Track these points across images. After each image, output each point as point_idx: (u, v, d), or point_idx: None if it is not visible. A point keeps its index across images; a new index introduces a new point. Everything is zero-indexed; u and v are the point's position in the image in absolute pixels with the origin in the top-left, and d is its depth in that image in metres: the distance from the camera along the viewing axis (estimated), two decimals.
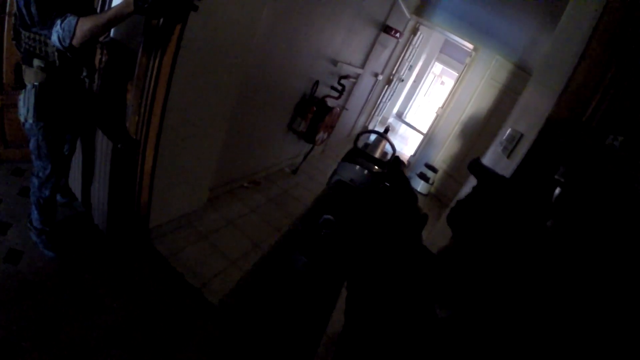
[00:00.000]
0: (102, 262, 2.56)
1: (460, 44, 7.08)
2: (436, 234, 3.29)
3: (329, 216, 0.82)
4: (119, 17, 1.73)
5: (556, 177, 1.14)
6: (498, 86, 6.60)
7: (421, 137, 10.99)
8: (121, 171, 2.51)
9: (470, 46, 6.87)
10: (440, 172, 7.48)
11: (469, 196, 1.44)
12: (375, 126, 9.37)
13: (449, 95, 7.62)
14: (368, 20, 4.98)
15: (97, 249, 2.65)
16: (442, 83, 16.51)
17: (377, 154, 2.17)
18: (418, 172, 7.61)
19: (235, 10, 2.31)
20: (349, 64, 5.05)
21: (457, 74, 12.15)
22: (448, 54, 12.37)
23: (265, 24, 2.73)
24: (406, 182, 0.81)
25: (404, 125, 14.21)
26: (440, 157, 7.52)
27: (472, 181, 2.59)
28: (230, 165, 3.60)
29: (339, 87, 4.83)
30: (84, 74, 2.17)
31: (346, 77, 5.01)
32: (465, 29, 6.64)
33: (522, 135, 1.99)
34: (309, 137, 4.56)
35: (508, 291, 1.02)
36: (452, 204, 1.38)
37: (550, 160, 1.41)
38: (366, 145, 2.49)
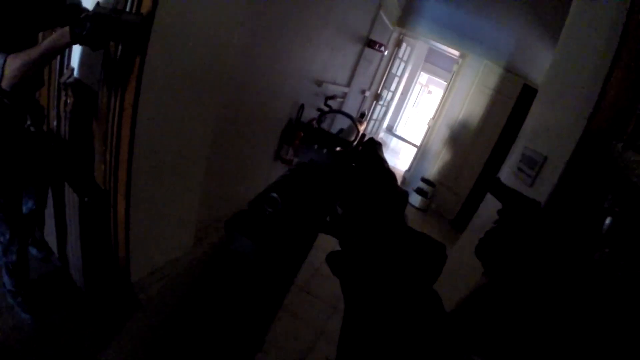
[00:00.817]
0: (81, 322, 2.34)
1: (446, 51, 6.94)
2: (454, 263, 3.00)
3: (274, 194, 0.80)
4: (54, 50, 1.48)
5: (606, 205, 0.99)
6: (489, 92, 6.44)
7: (414, 150, 10.84)
8: (92, 224, 2.27)
9: (457, 53, 6.73)
10: (437, 186, 7.23)
11: (499, 225, 1.23)
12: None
13: (439, 105, 7.44)
14: (351, 35, 4.77)
15: (76, 308, 2.42)
16: (430, 92, 16.40)
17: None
18: (415, 187, 7.37)
19: (205, 33, 2.06)
20: (334, 83, 4.82)
21: (444, 82, 12.12)
22: (433, 62, 12.28)
23: (241, 46, 2.47)
24: (380, 160, 0.71)
25: (395, 139, 14.04)
26: (436, 170, 7.30)
27: (490, 203, 2.31)
28: (217, 200, 3.31)
29: (326, 109, 4.58)
30: (28, 122, 1.89)
31: (332, 97, 4.78)
32: (450, 36, 6.51)
33: (545, 159, 1.72)
34: None
35: (555, 335, 0.93)
36: (481, 235, 1.20)
37: (594, 186, 1.20)
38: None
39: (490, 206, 2.70)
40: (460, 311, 1.29)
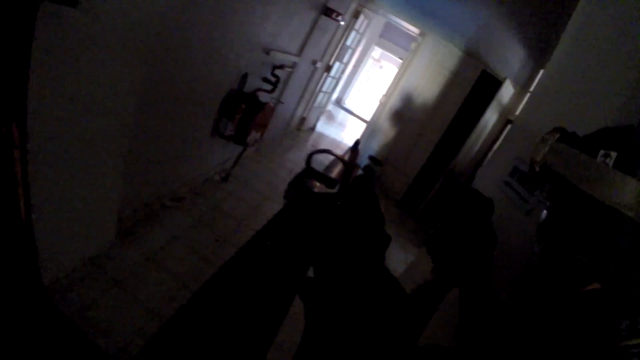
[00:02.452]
0: None
1: (406, 28, 6.64)
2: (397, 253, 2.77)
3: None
4: None
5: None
6: (446, 74, 6.26)
7: (363, 124, 10.61)
8: None
9: (416, 31, 6.44)
10: (385, 165, 7.04)
11: (449, 221, 1.20)
12: (317, 117, 8.77)
13: (393, 82, 7.16)
14: (306, 1, 4.30)
15: None
16: (381, 67, 16.14)
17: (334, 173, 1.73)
18: (362, 165, 7.13)
19: None
20: (285, 52, 4.37)
21: (398, 59, 11.89)
22: (388, 38, 11.97)
23: (175, 6, 2.01)
24: (375, 200, 0.73)
25: (343, 112, 13.73)
26: (385, 149, 7.08)
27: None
28: (143, 184, 2.85)
29: (273, 79, 4.13)
30: None
31: (281, 67, 4.33)
32: (412, 13, 6.21)
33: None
34: (239, 139, 3.85)
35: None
36: (430, 231, 1.16)
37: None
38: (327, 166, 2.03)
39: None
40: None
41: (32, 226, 1.78)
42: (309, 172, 1.29)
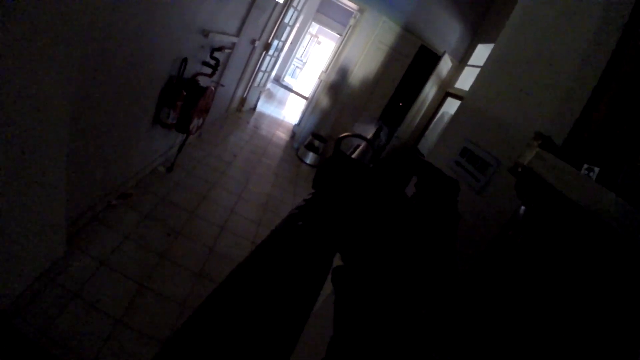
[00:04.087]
0: None
1: (344, 4, 6.58)
2: None
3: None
4: None
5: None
6: (386, 49, 6.33)
7: (303, 101, 10.55)
8: None
9: (355, 7, 6.41)
10: (329, 141, 7.07)
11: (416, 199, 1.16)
12: (257, 97, 8.60)
13: (332, 58, 7.14)
14: None
15: None
16: (319, 43, 16.02)
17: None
18: (305, 142, 7.14)
19: None
20: (223, 33, 4.21)
21: (335, 34, 11.84)
22: (325, 13, 11.86)
23: None
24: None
25: (283, 90, 13.58)
26: (329, 125, 7.11)
27: None
28: (87, 185, 2.67)
29: (213, 62, 3.99)
30: None
31: (220, 49, 4.18)
32: None
33: (499, 164, 1.46)
34: (181, 127, 3.70)
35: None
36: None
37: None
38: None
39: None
40: None
41: None
42: (338, 156, 1.22)
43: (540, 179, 1.04)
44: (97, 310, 2.30)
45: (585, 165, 1.04)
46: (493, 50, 2.06)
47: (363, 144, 6.11)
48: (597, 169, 0.99)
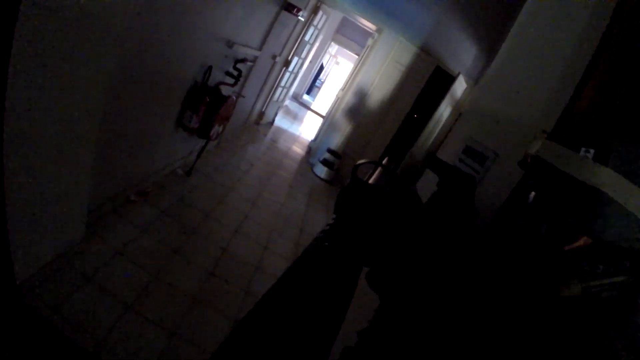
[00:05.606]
0: None
1: (363, 25, 6.80)
2: None
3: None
4: None
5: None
6: (402, 69, 6.49)
7: (320, 119, 10.72)
8: None
9: (373, 27, 6.61)
10: (344, 158, 7.20)
11: (438, 194, 1.39)
12: (275, 112, 8.80)
13: (350, 76, 7.32)
14: None
15: None
16: (338, 63, 16.31)
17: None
18: (321, 158, 7.27)
19: None
20: (246, 46, 4.41)
21: (354, 55, 12.09)
22: (344, 34, 12.14)
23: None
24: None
25: (300, 107, 13.82)
26: (344, 142, 7.24)
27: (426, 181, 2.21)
28: (110, 177, 2.83)
29: (235, 73, 4.17)
30: None
31: (243, 60, 4.37)
32: (368, 10, 6.36)
33: (497, 156, 1.59)
34: (202, 132, 3.87)
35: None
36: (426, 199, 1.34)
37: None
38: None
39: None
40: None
41: (5, 222, 1.78)
42: (356, 183, 1.31)
43: (547, 164, 1.19)
44: (108, 296, 2.42)
45: (583, 149, 1.15)
46: (494, 61, 2.22)
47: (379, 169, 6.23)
48: (592, 151, 1.12)
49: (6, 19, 1.32)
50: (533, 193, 1.23)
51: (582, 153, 1.15)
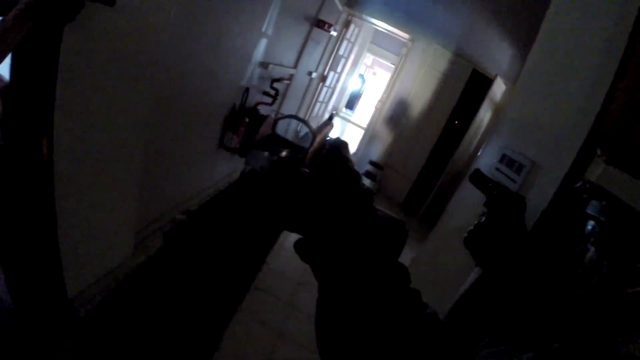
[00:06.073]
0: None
1: (396, 34, 6.80)
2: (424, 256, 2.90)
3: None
4: None
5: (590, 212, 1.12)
6: (438, 75, 6.43)
7: (361, 132, 10.75)
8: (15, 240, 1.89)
9: (406, 36, 6.61)
10: (385, 169, 7.18)
11: (487, 216, 1.30)
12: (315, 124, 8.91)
13: (387, 87, 7.33)
14: (298, 14, 4.48)
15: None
16: (374, 74, 16.34)
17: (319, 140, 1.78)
18: (363, 171, 7.27)
19: (131, 14, 1.72)
20: (281, 65, 4.53)
21: (390, 64, 12.08)
22: (379, 44, 12.16)
23: (177, 28, 2.16)
24: (344, 160, 0.70)
25: (340, 121, 13.91)
26: (385, 153, 7.23)
27: (467, 190, 2.19)
28: (155, 198, 2.98)
29: (272, 92, 4.29)
30: None
31: (279, 79, 4.49)
32: (399, 19, 6.37)
33: (534, 164, 1.56)
34: (243, 151, 3.99)
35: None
36: (470, 227, 1.26)
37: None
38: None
39: (455, 205, 2.58)
40: (460, 308, 1.35)
41: (57, 238, 1.91)
42: (273, 138, 1.28)
43: (608, 194, 1.09)
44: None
45: None
46: (526, 63, 2.17)
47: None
48: None
49: (51, 45, 1.45)
50: (593, 223, 1.10)
51: None
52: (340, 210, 0.58)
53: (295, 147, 1.38)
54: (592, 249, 1.07)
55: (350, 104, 15.83)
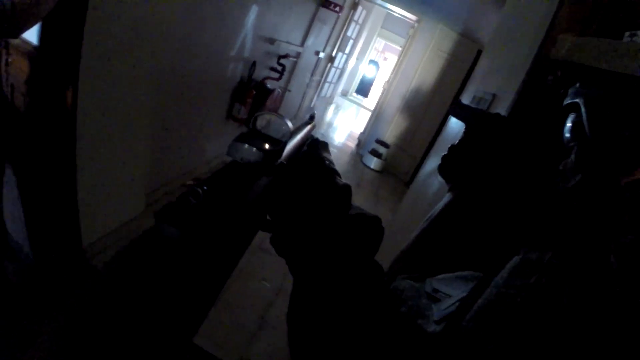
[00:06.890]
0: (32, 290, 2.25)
1: (402, 16, 6.94)
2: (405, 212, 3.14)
3: (197, 188, 0.84)
4: None
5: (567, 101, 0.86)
6: (444, 56, 6.57)
7: (369, 114, 10.93)
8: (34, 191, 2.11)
9: (413, 17, 6.75)
10: (392, 147, 7.37)
11: (463, 139, 1.22)
12: (324, 107, 9.12)
13: (394, 68, 7.49)
14: None
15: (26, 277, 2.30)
16: (385, 59, 16.41)
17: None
18: (370, 149, 7.48)
19: None
20: (288, 42, 4.74)
21: (399, 48, 12.19)
22: (389, 29, 12.26)
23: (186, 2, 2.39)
24: (321, 160, 0.75)
25: (349, 103, 14.08)
26: (391, 132, 7.42)
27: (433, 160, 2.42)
28: (166, 163, 3.23)
29: (279, 68, 4.51)
30: None
31: (285, 56, 4.70)
32: (406, 1, 6.49)
33: (494, 96, 1.82)
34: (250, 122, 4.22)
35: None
36: (444, 153, 1.18)
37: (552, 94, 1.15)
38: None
39: (433, 163, 2.81)
40: (426, 234, 1.24)
41: (76, 190, 2.13)
42: (253, 132, 1.34)
43: (582, 67, 0.97)
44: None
45: (627, 33, 0.94)
46: (496, 25, 2.45)
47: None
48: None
49: (77, 22, 1.69)
50: (573, 115, 0.85)
51: (626, 38, 0.95)
52: (311, 206, 0.59)
53: (273, 141, 1.50)
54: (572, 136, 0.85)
55: (365, 91, 15.94)
